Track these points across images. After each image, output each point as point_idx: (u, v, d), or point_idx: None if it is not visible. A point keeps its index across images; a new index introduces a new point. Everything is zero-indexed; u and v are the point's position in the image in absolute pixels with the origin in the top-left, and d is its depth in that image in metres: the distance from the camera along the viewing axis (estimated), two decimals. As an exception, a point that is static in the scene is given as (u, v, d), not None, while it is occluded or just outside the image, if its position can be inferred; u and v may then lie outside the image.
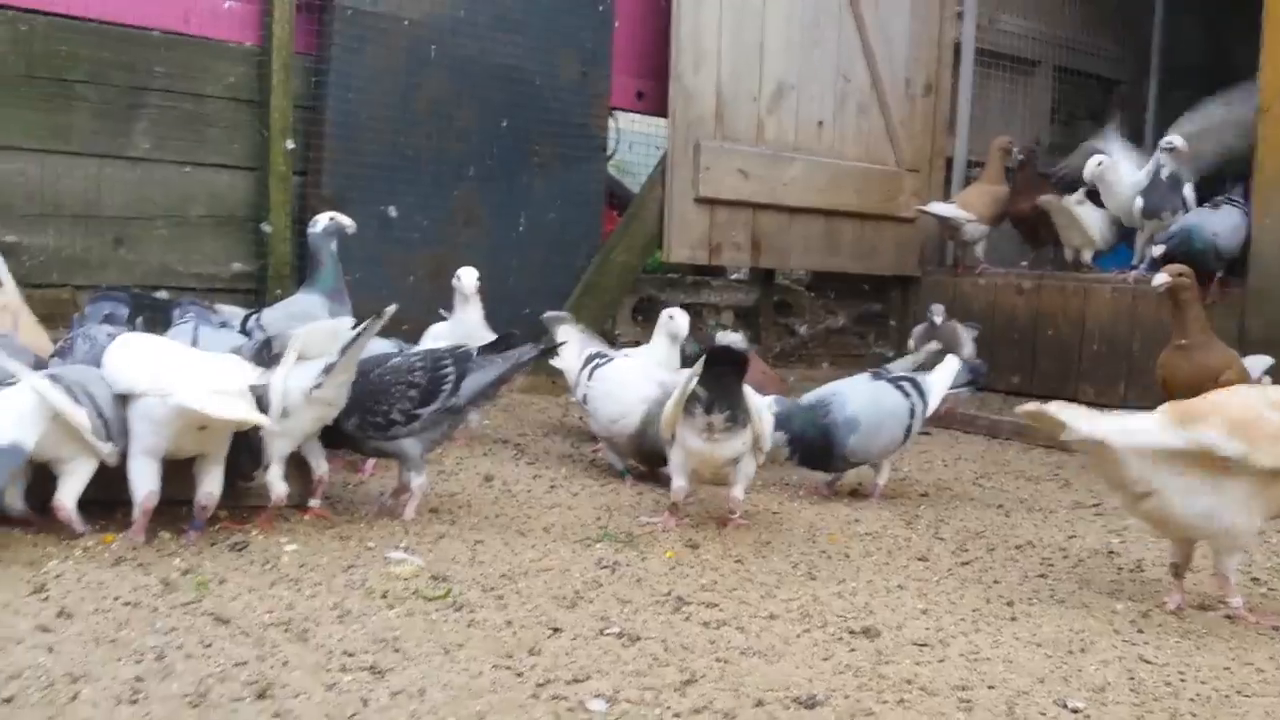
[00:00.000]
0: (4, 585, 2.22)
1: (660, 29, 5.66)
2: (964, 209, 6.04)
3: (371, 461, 3.48)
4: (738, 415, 2.93)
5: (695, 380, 2.89)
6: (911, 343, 5.24)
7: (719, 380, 2.88)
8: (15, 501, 2.58)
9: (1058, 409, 2.48)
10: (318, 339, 2.83)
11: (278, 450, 2.80)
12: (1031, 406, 2.50)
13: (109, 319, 3.13)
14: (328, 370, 2.76)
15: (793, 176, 6.03)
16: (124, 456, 2.60)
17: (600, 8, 5.37)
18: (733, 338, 3.84)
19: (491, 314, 4.84)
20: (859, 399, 3.51)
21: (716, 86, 5.71)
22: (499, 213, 5.24)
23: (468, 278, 4.09)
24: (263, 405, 2.69)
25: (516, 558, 2.71)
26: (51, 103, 4.15)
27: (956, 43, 6.68)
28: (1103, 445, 2.46)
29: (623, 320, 5.77)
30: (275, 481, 2.79)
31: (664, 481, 3.62)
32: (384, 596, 2.35)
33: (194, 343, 3.12)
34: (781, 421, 3.32)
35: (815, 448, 3.47)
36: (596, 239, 5.56)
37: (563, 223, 5.41)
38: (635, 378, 3.58)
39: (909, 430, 3.56)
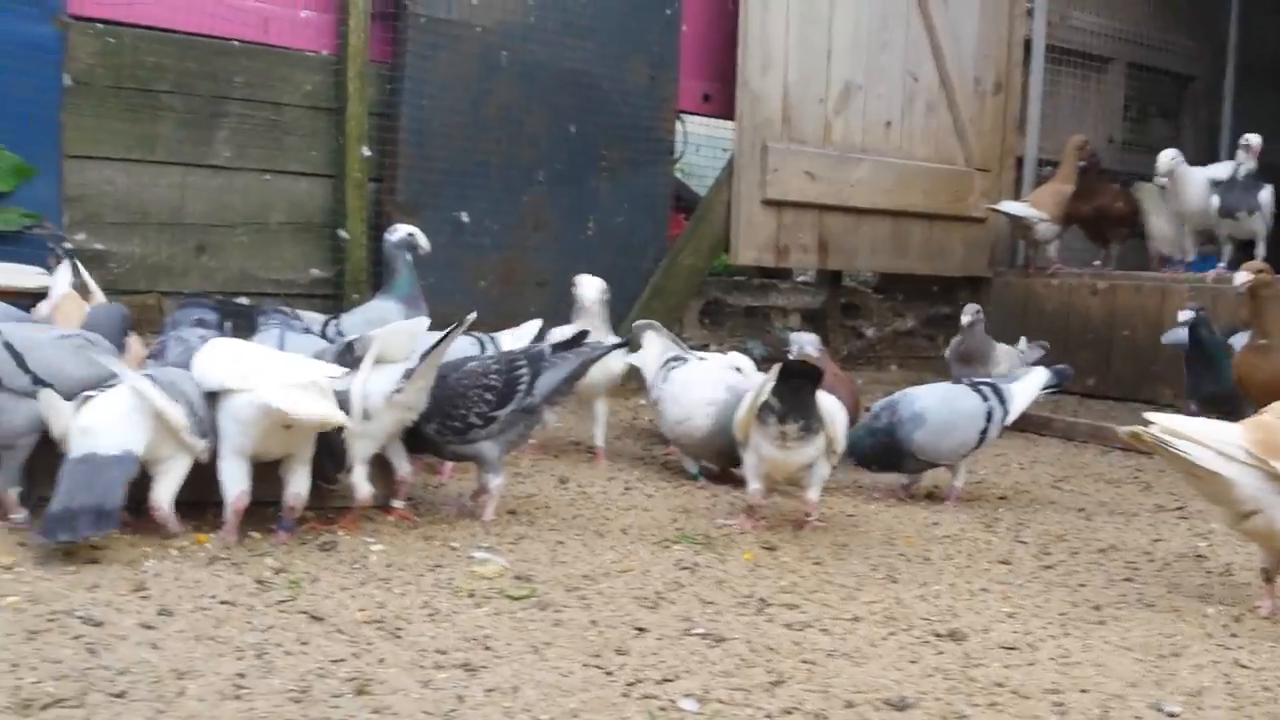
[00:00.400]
0: (106, 584, 2.29)
1: (727, 32, 5.67)
2: (1036, 208, 5.97)
3: (450, 464, 3.52)
4: (811, 424, 2.93)
5: (768, 390, 2.89)
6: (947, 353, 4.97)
7: (794, 392, 2.88)
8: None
9: (1167, 434, 2.44)
10: (396, 341, 2.88)
11: (360, 452, 2.85)
12: (1135, 429, 2.47)
13: (199, 324, 3.21)
14: (408, 375, 2.81)
15: (860, 177, 6.00)
16: (214, 458, 2.66)
17: (668, 12, 5.39)
18: (806, 339, 3.81)
19: (560, 317, 4.89)
20: (929, 397, 3.51)
21: (784, 88, 5.70)
22: (567, 217, 5.28)
23: (588, 288, 3.92)
24: (344, 408, 2.74)
25: (596, 559, 2.73)
26: (138, 113, 4.28)
27: (1027, 40, 6.60)
28: (1217, 475, 2.43)
29: (690, 323, 5.78)
30: (359, 483, 2.84)
31: (737, 483, 3.63)
32: (471, 596, 2.39)
33: (280, 348, 3.19)
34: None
35: (881, 445, 3.45)
36: (664, 242, 5.58)
37: (630, 226, 5.44)
38: (703, 381, 3.58)
39: (984, 433, 3.51)
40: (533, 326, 3.78)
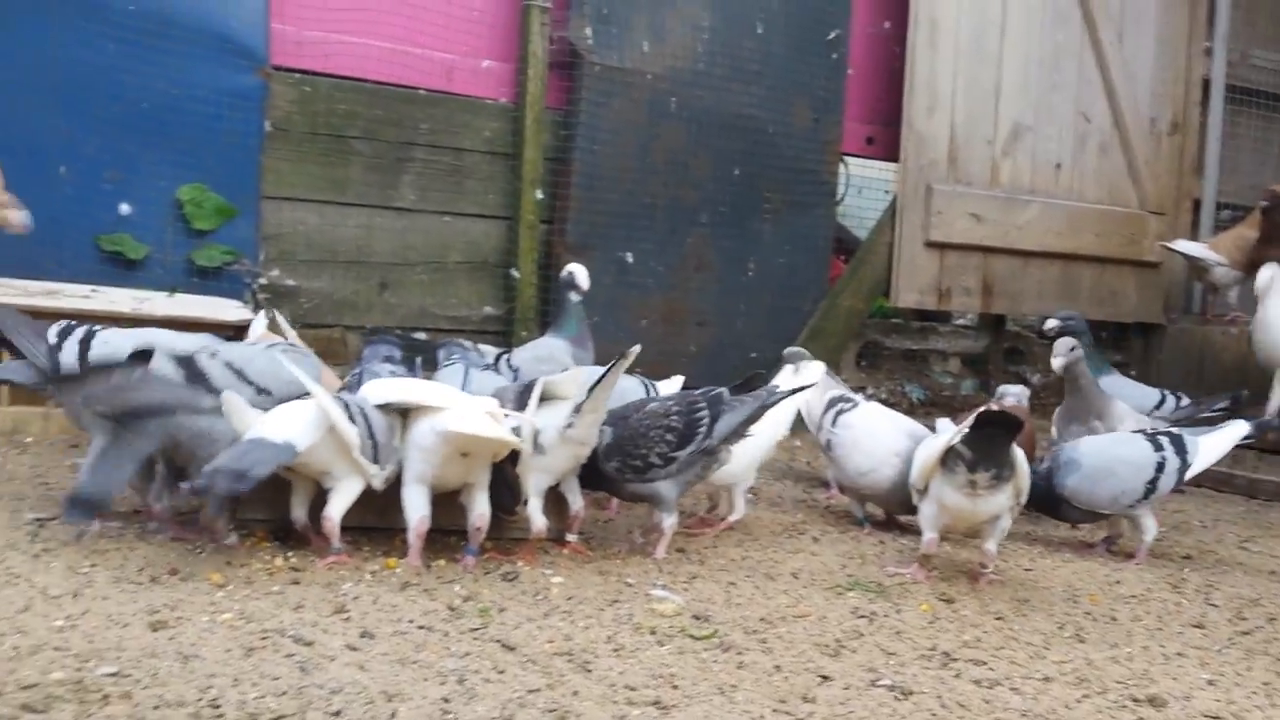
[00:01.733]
0: (309, 604, 2.41)
1: (891, 74, 5.65)
2: (1215, 251, 5.71)
3: (616, 500, 3.58)
4: (1003, 473, 2.86)
5: (959, 438, 2.84)
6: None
7: (988, 441, 2.82)
8: (300, 513, 2.79)
9: None
10: (565, 385, 2.96)
11: (535, 485, 2.93)
12: None
13: (387, 360, 3.37)
14: (578, 410, 2.88)
15: (1028, 219, 5.87)
16: (398, 484, 2.78)
17: (834, 56, 5.41)
18: (1014, 391, 3.70)
19: (718, 357, 4.93)
20: (1089, 443, 3.44)
21: (950, 129, 5.64)
22: (729, 258, 5.32)
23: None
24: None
25: (770, 602, 2.73)
26: (330, 157, 4.53)
27: (1205, 79, 6.35)
28: None
29: (847, 365, 5.73)
30: (535, 515, 2.92)
31: (902, 528, 3.59)
32: (652, 633, 2.42)
33: (464, 383, 3.32)
34: None
35: (1038, 490, 3.31)
36: (824, 284, 5.57)
37: (791, 268, 5.45)
38: (886, 428, 3.52)
39: (1154, 484, 3.35)
40: (677, 381, 3.74)
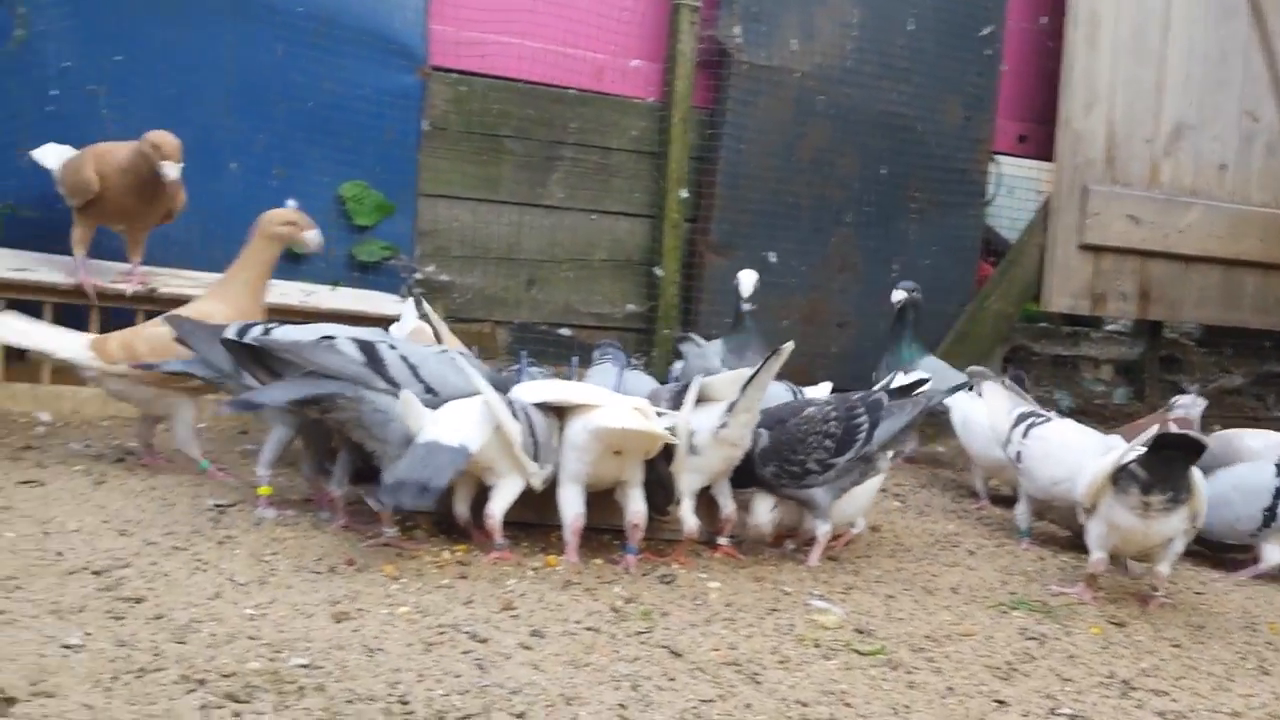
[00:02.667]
0: (478, 600, 2.45)
1: (1046, 70, 5.47)
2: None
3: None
4: (1180, 495, 2.75)
5: (1133, 457, 2.73)
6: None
7: (1167, 465, 2.70)
8: (463, 509, 2.84)
9: None
10: (722, 386, 2.95)
11: (688, 486, 2.93)
12: None
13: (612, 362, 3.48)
14: (731, 409, 2.86)
15: (1189, 222, 5.61)
16: (555, 485, 2.82)
17: (988, 52, 5.27)
18: (1187, 401, 3.55)
19: (859, 359, 4.83)
20: (1220, 479, 3.27)
21: (1108, 128, 5.43)
22: (873, 259, 5.24)
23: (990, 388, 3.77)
24: (670, 445, 2.85)
25: (932, 618, 2.68)
26: (484, 156, 4.61)
27: (1387, 75, 5.96)
28: None
29: (993, 371, 5.57)
30: (687, 516, 2.92)
31: (1061, 544, 3.47)
32: (816, 646, 2.39)
33: (617, 383, 3.34)
34: None
35: None
36: (970, 286, 5.43)
37: (937, 269, 5.33)
38: (1081, 441, 3.39)
39: (1273, 510, 3.23)
40: (825, 387, 3.69)
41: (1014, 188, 5.70)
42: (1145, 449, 2.70)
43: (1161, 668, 2.47)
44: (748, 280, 4.05)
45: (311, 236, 3.34)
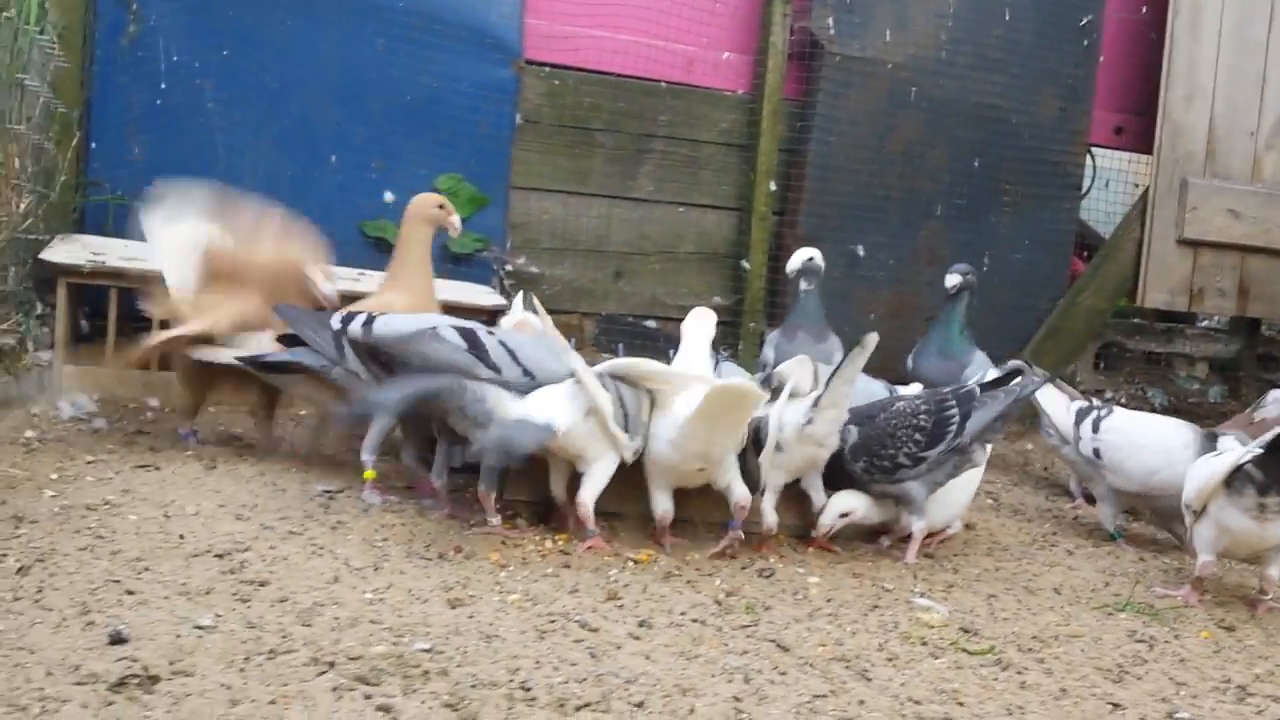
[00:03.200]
0: (583, 589, 2.49)
1: (1145, 62, 5.34)
2: None
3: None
4: None
5: (1250, 458, 2.67)
6: None
7: None
8: (560, 491, 2.86)
9: None
10: (789, 371, 2.93)
11: (773, 481, 2.93)
12: None
13: None
14: (816, 404, 2.85)
15: (1292, 218, 5.44)
16: (637, 470, 2.82)
17: (1085, 43, 5.16)
18: (1277, 397, 3.46)
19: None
20: None
21: (1209, 121, 5.28)
22: (963, 252, 5.15)
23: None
24: (761, 437, 2.85)
25: (1037, 619, 2.65)
26: (575, 149, 4.65)
27: None
28: None
29: (1084, 367, 5.49)
30: (767, 511, 2.92)
31: (1160, 546, 3.42)
32: (924, 644, 2.39)
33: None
34: None
35: None
36: (1062, 281, 5.34)
37: (1028, 263, 5.25)
38: (1165, 426, 3.32)
39: None
40: (917, 388, 3.64)
41: (1110, 180, 5.59)
42: (1262, 449, 2.64)
43: (1277, 673, 2.42)
44: (795, 259, 3.95)
45: (456, 221, 3.44)
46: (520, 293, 3.72)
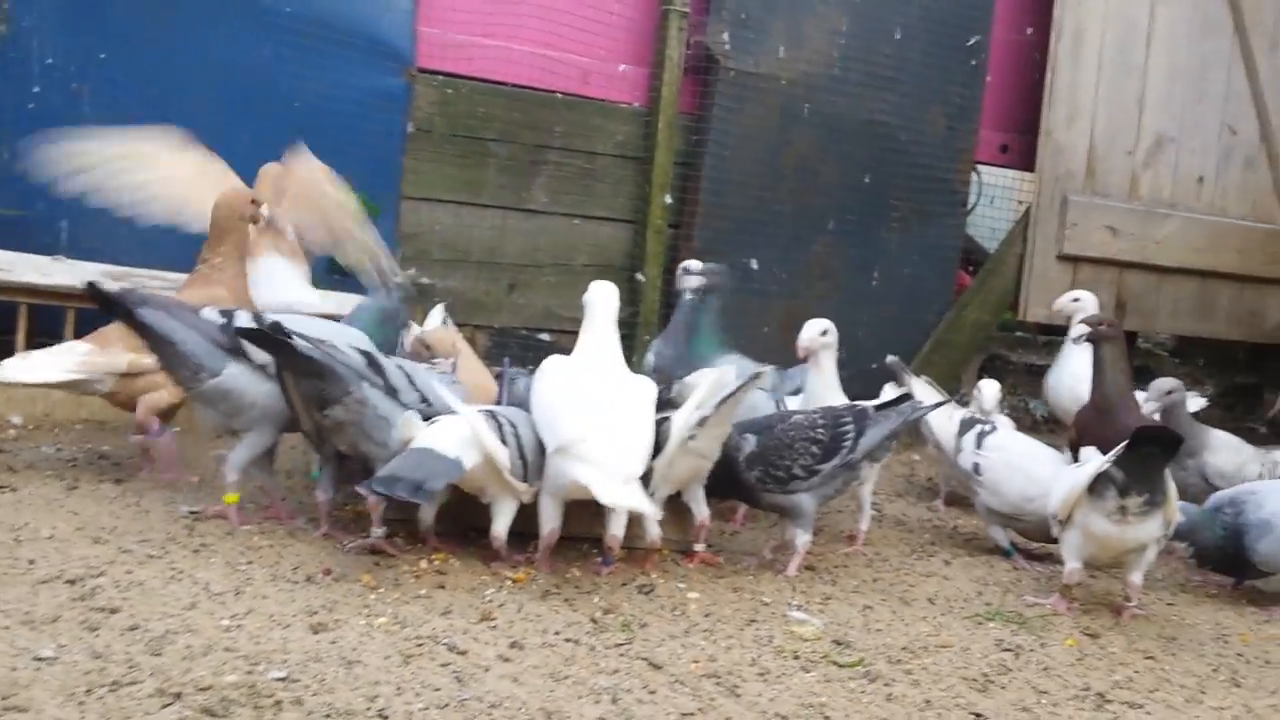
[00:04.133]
0: (456, 610, 2.45)
1: (1030, 82, 5.50)
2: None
3: (742, 510, 3.56)
4: (1156, 498, 2.77)
5: (1111, 461, 2.76)
6: None
7: (1144, 462, 2.73)
8: (428, 516, 2.81)
9: None
10: (711, 387, 2.95)
11: (657, 494, 2.92)
12: None
13: None
14: (702, 423, 2.86)
15: (1166, 234, 5.67)
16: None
17: (973, 63, 5.29)
18: (1166, 385, 3.56)
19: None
20: (1276, 500, 3.15)
21: (1089, 140, 5.47)
22: (853, 267, 5.26)
23: (989, 390, 3.83)
24: (660, 443, 2.84)
25: (910, 629, 2.69)
26: (468, 159, 4.60)
27: (1364, 91, 6.04)
28: None
29: (969, 379, 5.60)
30: (650, 526, 2.92)
31: (1039, 557, 3.50)
32: (796, 657, 2.40)
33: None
34: (1183, 533, 3.07)
35: (1224, 552, 3.15)
36: (949, 295, 5.47)
37: (916, 278, 5.36)
38: (1044, 453, 3.41)
39: None
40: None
41: (995, 197, 5.74)
42: (1124, 447, 2.72)
43: (1135, 680, 2.49)
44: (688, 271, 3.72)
45: (267, 212, 3.39)
46: (440, 306, 3.68)
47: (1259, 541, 3.09)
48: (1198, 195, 5.76)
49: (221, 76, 4.17)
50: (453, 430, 2.66)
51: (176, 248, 4.01)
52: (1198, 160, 5.74)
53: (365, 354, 2.77)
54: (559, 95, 4.72)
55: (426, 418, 2.72)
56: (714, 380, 2.94)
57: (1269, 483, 3.30)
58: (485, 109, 4.58)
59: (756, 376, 2.85)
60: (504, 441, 2.70)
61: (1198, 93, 5.68)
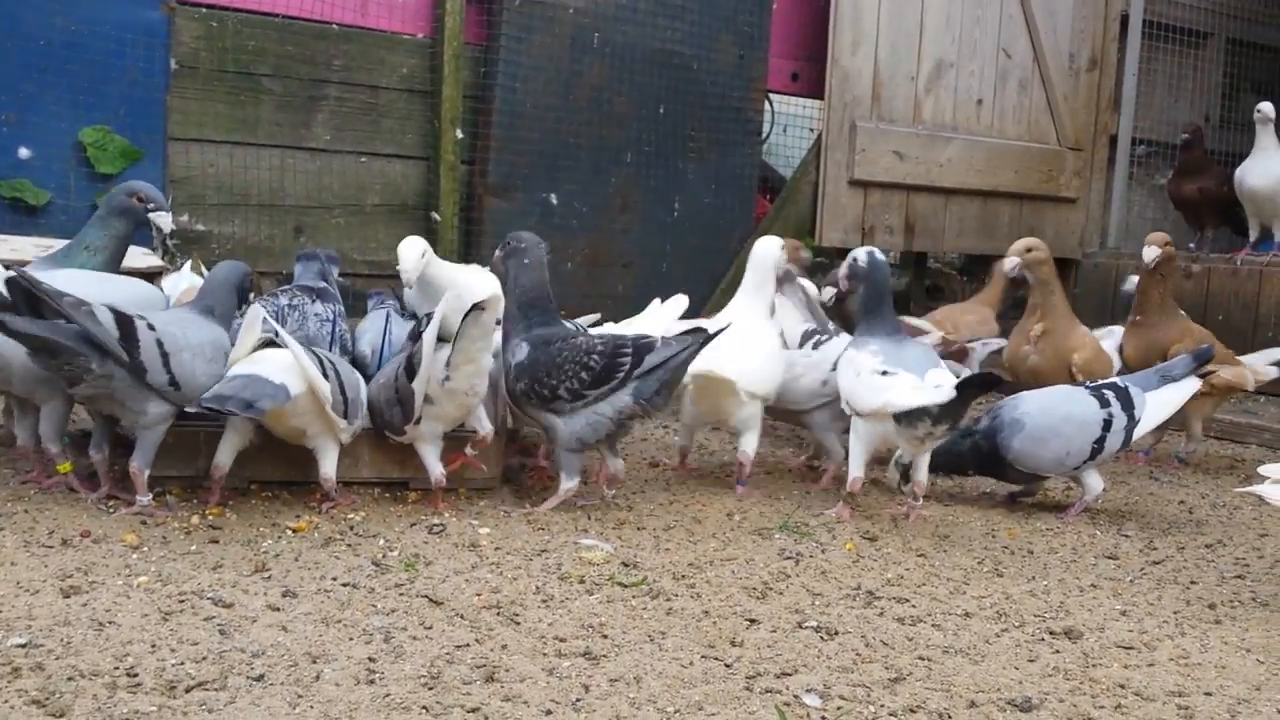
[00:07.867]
0: (228, 564, 2.36)
1: (817, 10, 5.60)
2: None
3: (543, 449, 3.53)
4: (956, 426, 2.99)
5: (938, 401, 2.85)
6: None
7: (963, 403, 2.86)
8: (225, 460, 2.69)
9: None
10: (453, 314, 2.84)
11: (429, 433, 2.87)
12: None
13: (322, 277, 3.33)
14: (449, 364, 2.77)
15: (949, 157, 5.90)
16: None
17: (759, -10, 5.34)
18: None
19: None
20: (1034, 401, 3.32)
21: (874, 67, 5.63)
22: (654, 198, 5.28)
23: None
24: (414, 363, 2.78)
25: (698, 546, 2.75)
26: (240, 96, 4.36)
27: (1124, 15, 6.43)
28: None
29: (774, 304, 5.74)
30: (431, 464, 2.89)
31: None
32: (581, 582, 2.42)
33: (385, 330, 3.24)
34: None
35: (982, 451, 3.30)
36: (750, 223, 5.56)
37: (717, 207, 5.42)
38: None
39: (1101, 443, 3.21)
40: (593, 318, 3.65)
41: (788, 125, 5.85)
42: (954, 392, 2.81)
43: (906, 577, 2.62)
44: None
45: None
46: (188, 262, 3.48)
47: (1013, 439, 3.23)
48: (977, 118, 6.01)
49: (-48, 12, 3.81)
50: (277, 358, 2.66)
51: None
52: (976, 84, 5.98)
53: (123, 322, 2.52)
54: (335, 26, 4.52)
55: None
56: (441, 312, 2.80)
57: (1035, 391, 3.49)
58: (255, 42, 4.34)
59: (480, 309, 2.70)
60: (325, 376, 2.67)
61: (974, 17, 5.91)
